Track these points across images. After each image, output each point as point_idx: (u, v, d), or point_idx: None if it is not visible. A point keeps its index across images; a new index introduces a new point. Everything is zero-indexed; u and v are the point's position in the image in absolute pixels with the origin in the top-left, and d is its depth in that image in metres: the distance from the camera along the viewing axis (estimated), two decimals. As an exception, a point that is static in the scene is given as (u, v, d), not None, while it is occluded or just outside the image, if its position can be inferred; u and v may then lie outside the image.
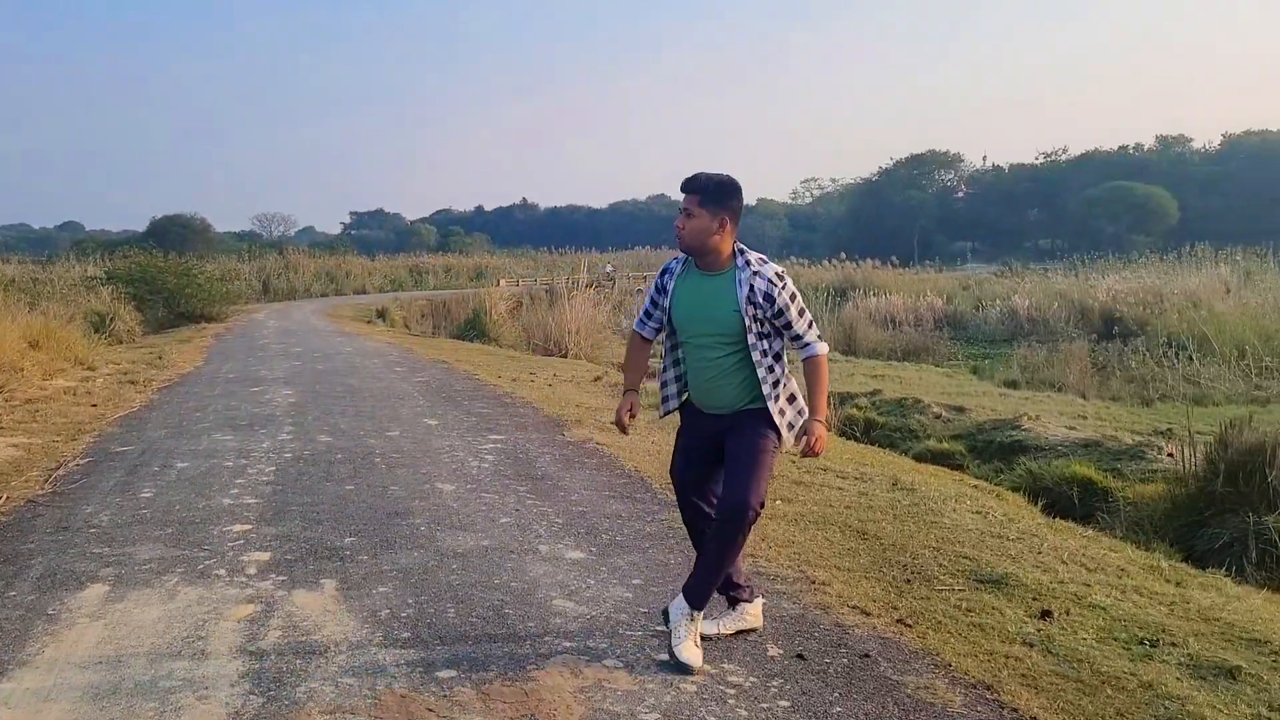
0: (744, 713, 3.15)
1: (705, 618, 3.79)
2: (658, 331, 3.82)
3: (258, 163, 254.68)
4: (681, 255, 3.65)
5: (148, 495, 6.09)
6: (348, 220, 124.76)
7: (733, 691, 3.30)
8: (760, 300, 3.46)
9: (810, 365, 3.57)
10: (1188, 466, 7.06)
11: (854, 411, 11.63)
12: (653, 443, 7.82)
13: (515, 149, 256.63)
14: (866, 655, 3.61)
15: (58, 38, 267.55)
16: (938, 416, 11.28)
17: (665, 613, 3.58)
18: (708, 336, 3.55)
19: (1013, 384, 15.50)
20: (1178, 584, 4.75)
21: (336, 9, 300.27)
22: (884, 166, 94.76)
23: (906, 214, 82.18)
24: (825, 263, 43.05)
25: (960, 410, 11.48)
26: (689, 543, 4.95)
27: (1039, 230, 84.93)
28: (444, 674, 3.43)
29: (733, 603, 3.80)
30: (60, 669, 3.50)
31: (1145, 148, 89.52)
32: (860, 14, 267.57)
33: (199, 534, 5.22)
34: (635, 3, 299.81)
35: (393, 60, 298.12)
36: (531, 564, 4.68)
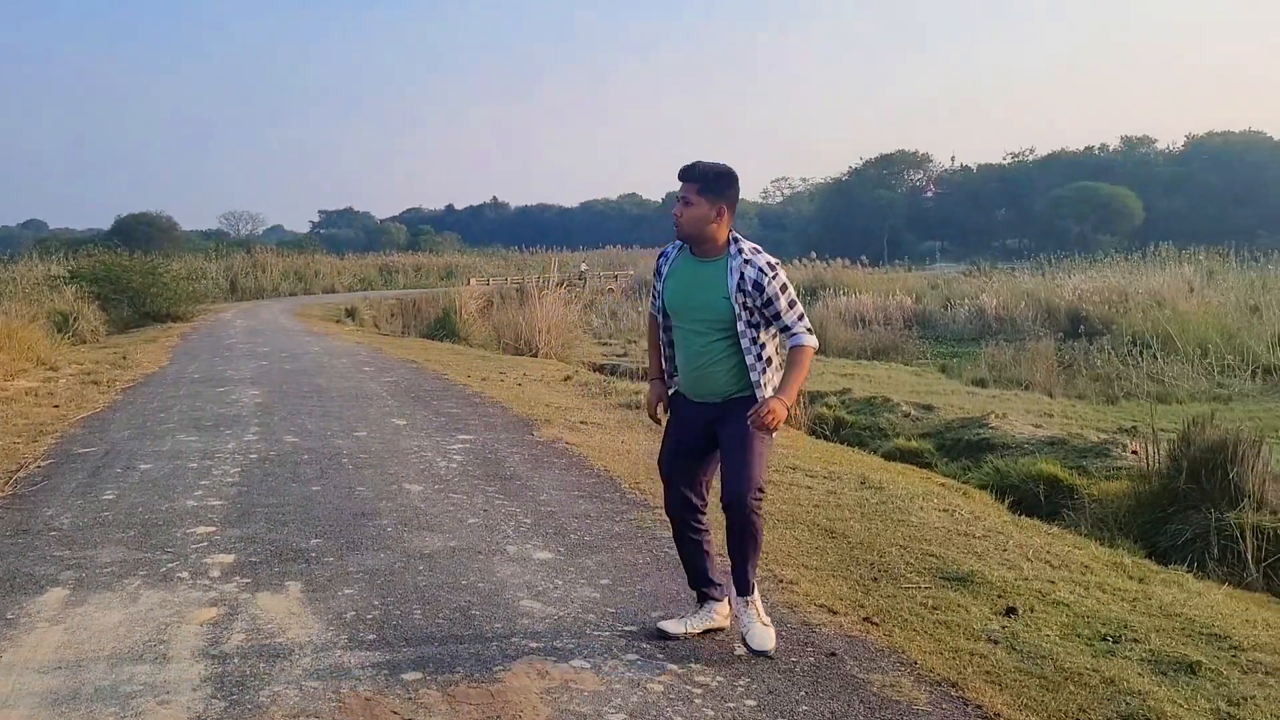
0: (710, 712, 3.15)
1: (671, 617, 3.84)
2: None
3: (226, 161, 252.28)
4: (677, 241, 3.68)
5: (110, 497, 6.01)
6: (317, 219, 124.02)
7: (699, 691, 3.30)
8: (749, 288, 3.49)
9: (793, 353, 3.57)
10: (1151, 464, 7.14)
11: (824, 410, 11.66)
12: (621, 442, 7.82)
13: (486, 148, 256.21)
14: (833, 654, 3.63)
15: (19, 34, 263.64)
16: (906, 415, 11.34)
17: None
18: (698, 322, 3.59)
19: (981, 382, 15.62)
20: (1140, 580, 4.81)
21: (309, 9, 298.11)
22: (854, 166, 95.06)
23: (876, 213, 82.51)
24: (796, 262, 43.01)
25: (929, 409, 11.56)
26: (656, 543, 4.98)
27: (1007, 230, 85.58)
28: (409, 676, 3.41)
29: (702, 600, 3.82)
30: (19, 673, 3.44)
31: (1110, 148, 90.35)
32: (829, 16, 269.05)
33: (162, 536, 5.15)
34: (608, 4, 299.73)
35: (364, 59, 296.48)
36: (499, 564, 4.66)
